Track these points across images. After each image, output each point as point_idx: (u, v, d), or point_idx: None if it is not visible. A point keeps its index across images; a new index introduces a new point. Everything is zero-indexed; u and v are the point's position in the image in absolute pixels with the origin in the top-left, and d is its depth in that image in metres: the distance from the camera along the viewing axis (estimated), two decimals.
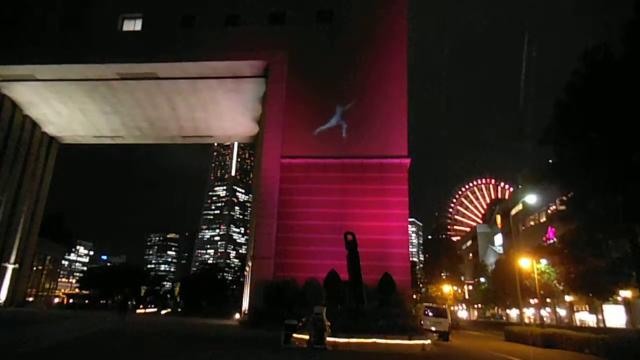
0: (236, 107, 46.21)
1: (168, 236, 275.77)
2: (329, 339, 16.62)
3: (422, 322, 26.56)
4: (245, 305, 39.38)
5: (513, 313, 60.77)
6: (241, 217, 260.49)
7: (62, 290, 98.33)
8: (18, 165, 47.93)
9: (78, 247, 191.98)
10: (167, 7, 41.97)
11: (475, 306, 78.40)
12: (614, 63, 19.54)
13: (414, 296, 64.09)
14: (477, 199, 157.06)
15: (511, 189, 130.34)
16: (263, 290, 30.96)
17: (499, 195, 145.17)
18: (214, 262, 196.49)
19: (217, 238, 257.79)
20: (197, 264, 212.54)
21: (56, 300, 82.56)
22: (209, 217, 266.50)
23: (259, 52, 39.14)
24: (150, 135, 53.37)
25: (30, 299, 63.38)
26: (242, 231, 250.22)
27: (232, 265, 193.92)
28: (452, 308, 67.70)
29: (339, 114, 37.34)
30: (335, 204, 34.36)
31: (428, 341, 18.79)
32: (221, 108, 46.56)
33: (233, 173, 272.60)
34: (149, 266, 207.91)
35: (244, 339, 21.42)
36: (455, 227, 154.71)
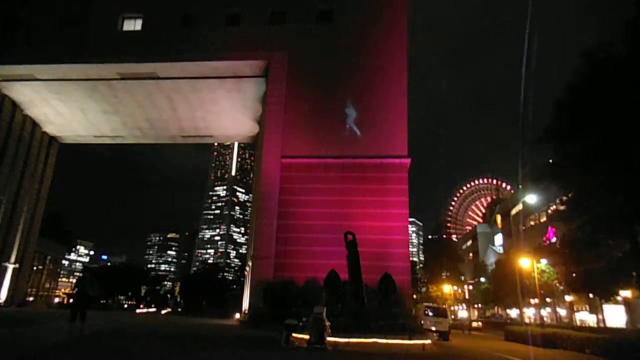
0: (236, 106, 46.22)
1: (168, 236, 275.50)
2: (329, 338, 16.60)
3: (422, 322, 26.55)
4: (245, 305, 39.39)
5: (513, 313, 60.80)
6: (241, 217, 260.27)
7: (63, 290, 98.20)
8: (18, 165, 47.98)
9: (78, 246, 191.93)
10: (167, 7, 41.99)
11: (476, 306, 78.43)
12: (616, 61, 19.47)
13: (414, 296, 64.09)
14: (477, 198, 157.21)
15: (512, 190, 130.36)
16: (263, 290, 30.96)
17: (499, 195, 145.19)
18: (214, 262, 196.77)
19: (217, 238, 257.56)
20: (197, 263, 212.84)
21: (56, 300, 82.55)
22: (209, 217, 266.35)
23: (259, 52, 39.15)
24: (150, 135, 53.46)
25: (31, 298, 63.41)
26: (242, 231, 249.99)
27: (232, 265, 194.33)
28: (452, 308, 67.77)
29: (339, 114, 37.30)
30: (336, 204, 34.35)
31: (428, 341, 18.77)
32: (221, 108, 46.58)
33: (233, 173, 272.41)
34: (149, 266, 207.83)
35: (244, 338, 21.42)
36: (456, 226, 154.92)
